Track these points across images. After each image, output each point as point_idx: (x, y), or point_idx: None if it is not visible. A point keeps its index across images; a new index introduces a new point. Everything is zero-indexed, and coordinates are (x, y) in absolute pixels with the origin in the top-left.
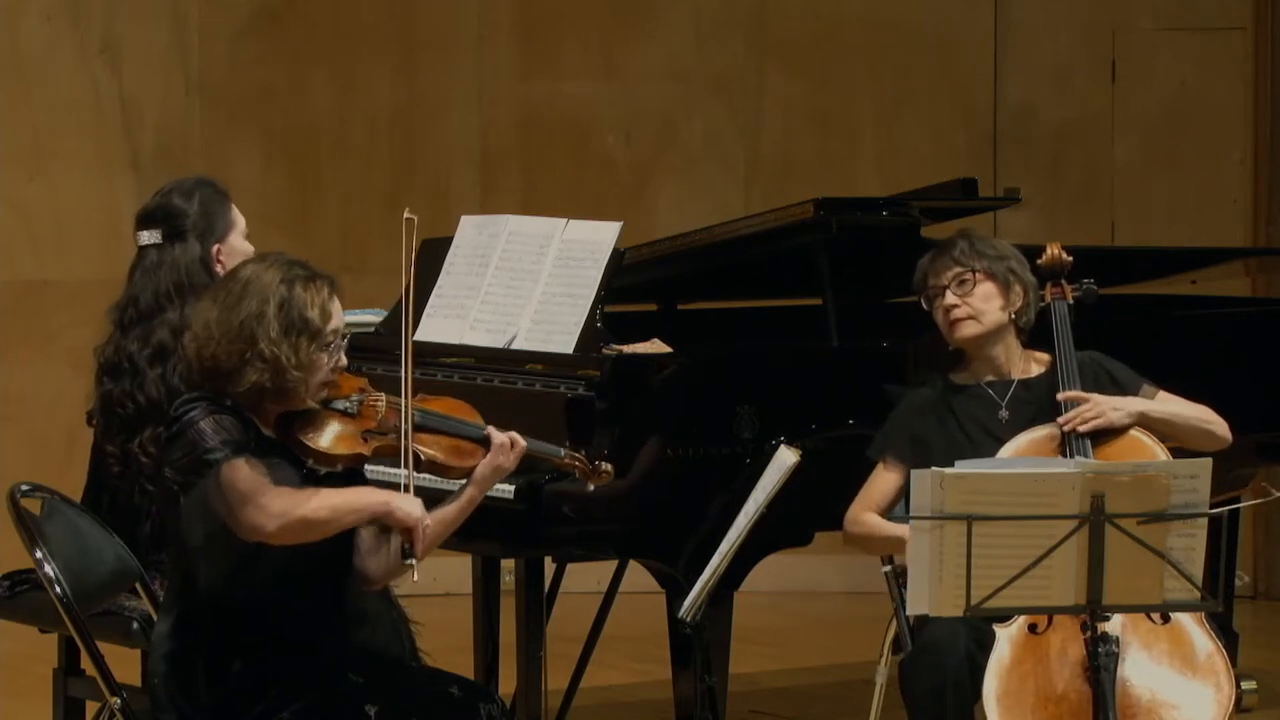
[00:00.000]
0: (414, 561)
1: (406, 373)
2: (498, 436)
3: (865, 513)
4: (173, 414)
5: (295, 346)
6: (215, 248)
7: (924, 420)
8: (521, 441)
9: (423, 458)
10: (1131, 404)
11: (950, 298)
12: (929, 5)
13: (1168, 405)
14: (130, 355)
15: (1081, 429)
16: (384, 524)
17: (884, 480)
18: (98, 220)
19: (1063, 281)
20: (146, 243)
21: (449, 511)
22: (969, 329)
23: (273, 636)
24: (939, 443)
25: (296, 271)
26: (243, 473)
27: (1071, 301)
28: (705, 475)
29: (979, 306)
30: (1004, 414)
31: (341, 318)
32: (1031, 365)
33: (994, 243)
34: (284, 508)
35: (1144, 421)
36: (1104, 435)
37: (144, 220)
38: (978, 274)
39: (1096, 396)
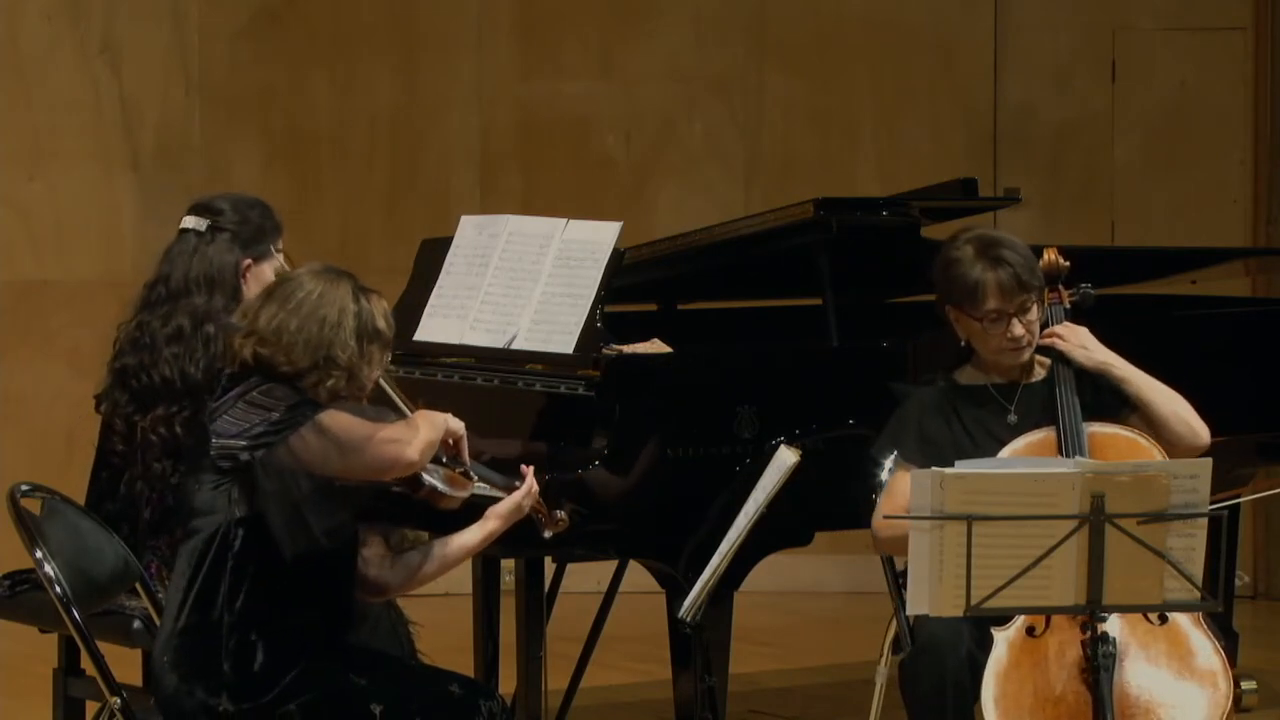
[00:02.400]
0: (467, 469)
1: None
2: (530, 479)
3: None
4: (224, 385)
5: (368, 355)
6: (246, 262)
7: (932, 420)
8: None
9: (424, 483)
10: (1104, 355)
11: (1018, 328)
12: (929, 5)
13: (1144, 384)
14: (152, 331)
15: (1043, 341)
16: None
17: (900, 484)
18: (98, 220)
19: (1060, 287)
20: (189, 227)
21: (470, 541)
22: (1026, 356)
23: (308, 607)
24: (948, 442)
25: (358, 284)
26: (348, 418)
27: (1068, 306)
28: (705, 475)
29: (1036, 331)
30: (1013, 418)
31: None
32: (1035, 369)
33: (1023, 247)
34: (411, 434)
35: (1108, 375)
36: (1101, 439)
37: (196, 208)
38: (1035, 299)
39: (1081, 333)
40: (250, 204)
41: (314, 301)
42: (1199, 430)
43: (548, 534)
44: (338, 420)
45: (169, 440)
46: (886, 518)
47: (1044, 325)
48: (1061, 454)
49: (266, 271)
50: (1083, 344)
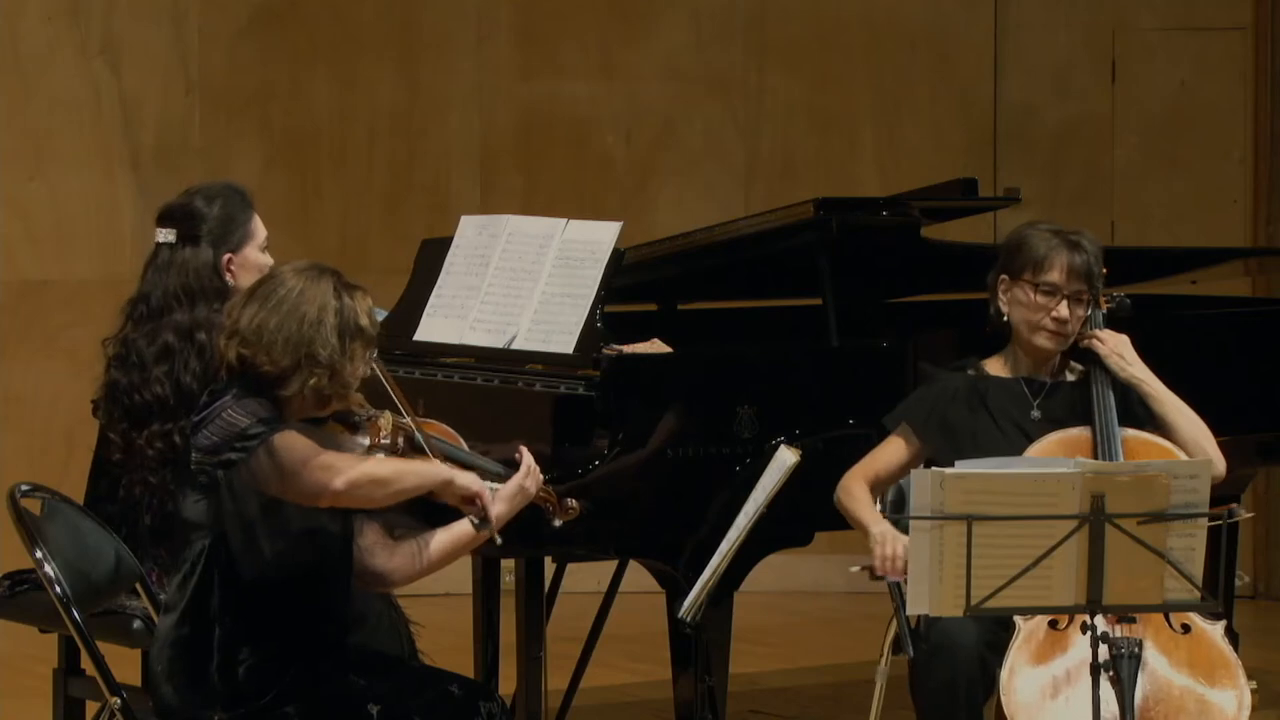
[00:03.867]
0: (490, 527)
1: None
2: (527, 458)
3: (858, 482)
4: (205, 400)
5: (350, 353)
6: (227, 257)
7: (956, 407)
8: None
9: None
10: (1138, 370)
11: (1064, 310)
12: (929, 5)
13: (1171, 406)
14: (139, 350)
15: (1083, 343)
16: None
17: (891, 450)
18: (98, 220)
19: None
20: (161, 240)
21: (473, 527)
22: (1056, 344)
23: (290, 624)
24: (970, 431)
25: (341, 281)
26: (298, 439)
27: (1105, 312)
28: (705, 475)
29: (1076, 327)
30: (1036, 413)
31: None
32: (1067, 371)
33: (1100, 253)
34: (347, 463)
35: (1138, 389)
36: (1135, 444)
37: (163, 218)
38: (1088, 299)
39: (1121, 342)
40: (214, 196)
41: (294, 299)
42: (1216, 463)
43: (558, 522)
44: (286, 441)
45: (166, 453)
46: (889, 518)
47: (1083, 328)
48: (1096, 454)
49: (250, 255)
50: (1120, 353)
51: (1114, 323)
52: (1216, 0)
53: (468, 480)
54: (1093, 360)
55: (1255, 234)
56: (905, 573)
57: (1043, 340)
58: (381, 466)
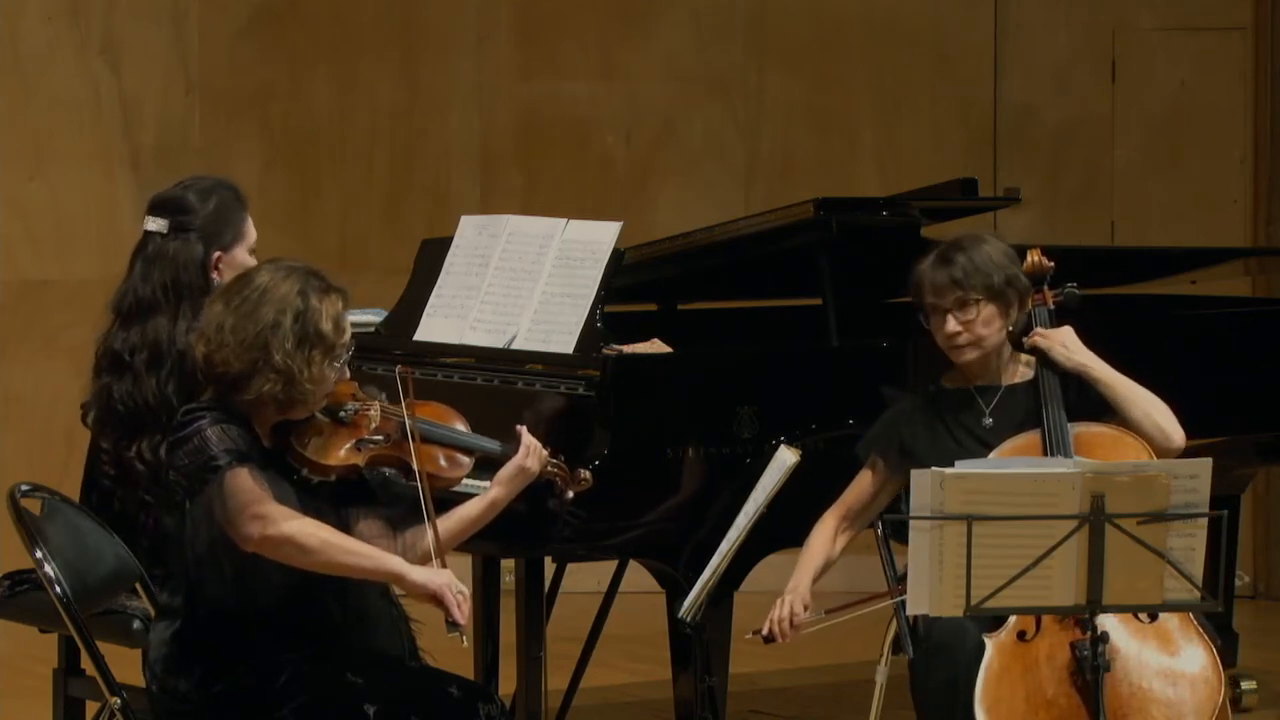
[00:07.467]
0: (459, 632)
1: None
2: (526, 438)
3: (824, 526)
4: (180, 418)
5: (309, 359)
6: (216, 255)
7: (912, 427)
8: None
9: (415, 467)
10: (1083, 357)
11: (951, 324)
12: (928, 5)
13: (1119, 386)
14: (132, 350)
15: (1028, 343)
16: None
17: (861, 482)
18: (98, 220)
19: (1045, 288)
20: (152, 229)
21: (471, 512)
22: (969, 355)
23: (273, 641)
24: (927, 449)
25: (313, 283)
26: (244, 481)
27: (1053, 307)
28: (705, 475)
29: (980, 332)
30: (988, 420)
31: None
32: (1020, 369)
33: (990, 251)
34: (274, 518)
35: (1085, 375)
36: (1088, 438)
37: (155, 207)
38: (980, 300)
39: (1063, 333)
40: (209, 190)
41: (255, 300)
42: (1171, 434)
43: (571, 494)
44: (235, 482)
45: (156, 468)
46: (886, 519)
47: (1029, 327)
48: (1046, 455)
49: (239, 256)
50: (1063, 343)
51: (1064, 315)
52: (1216, 0)
53: (422, 578)
54: (1039, 358)
55: (1255, 234)
56: (789, 635)
57: (956, 359)
58: (311, 534)
